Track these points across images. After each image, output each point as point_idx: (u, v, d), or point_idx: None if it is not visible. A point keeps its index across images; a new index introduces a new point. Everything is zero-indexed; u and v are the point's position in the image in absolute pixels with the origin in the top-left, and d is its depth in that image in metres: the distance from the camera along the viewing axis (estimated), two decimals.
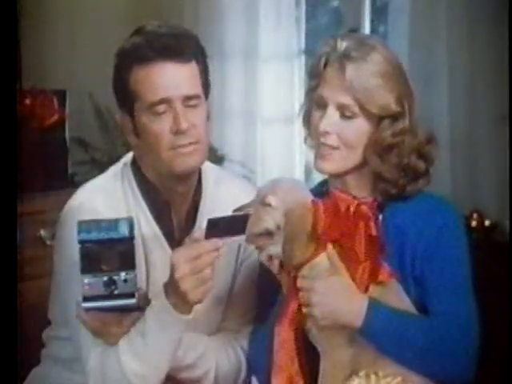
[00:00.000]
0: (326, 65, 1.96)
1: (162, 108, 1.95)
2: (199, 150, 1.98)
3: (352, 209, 1.88)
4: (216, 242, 1.81)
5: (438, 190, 3.37)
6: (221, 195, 2.09)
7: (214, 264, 1.82)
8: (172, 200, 2.04)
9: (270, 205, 1.88)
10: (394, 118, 1.95)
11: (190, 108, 1.97)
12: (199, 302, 1.84)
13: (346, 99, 1.93)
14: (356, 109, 1.94)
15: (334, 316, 1.84)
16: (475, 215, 3.51)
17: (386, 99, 1.93)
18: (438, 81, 3.62)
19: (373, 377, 1.85)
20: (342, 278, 1.87)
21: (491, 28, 3.53)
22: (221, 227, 1.80)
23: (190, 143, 1.96)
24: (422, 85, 3.63)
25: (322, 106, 1.96)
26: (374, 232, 1.87)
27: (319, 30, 4.23)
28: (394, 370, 1.86)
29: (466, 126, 3.60)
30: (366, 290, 1.87)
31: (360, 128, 1.95)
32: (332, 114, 1.95)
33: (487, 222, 3.52)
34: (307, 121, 2.03)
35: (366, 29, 3.91)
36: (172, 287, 1.83)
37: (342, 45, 1.95)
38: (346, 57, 1.93)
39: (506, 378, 2.64)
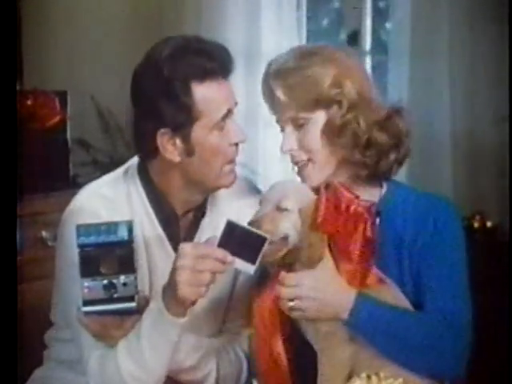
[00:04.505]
0: (268, 91, 2.01)
1: (223, 122, 1.95)
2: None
3: (352, 208, 1.88)
4: (226, 254, 1.79)
5: (440, 191, 3.40)
6: (224, 196, 2.09)
7: (216, 276, 1.80)
8: (180, 210, 2.03)
9: (286, 209, 1.88)
10: (338, 101, 1.96)
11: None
12: (186, 301, 1.81)
13: (290, 112, 1.98)
14: (303, 114, 1.97)
15: (321, 308, 1.85)
16: (477, 216, 3.51)
17: (320, 87, 1.95)
18: (440, 82, 3.62)
19: (374, 378, 1.84)
20: (329, 270, 1.87)
21: (492, 28, 3.53)
22: (236, 238, 1.77)
23: (234, 159, 1.99)
24: (423, 86, 3.64)
25: (282, 128, 2.02)
26: (369, 233, 1.87)
27: (320, 32, 4.23)
28: (395, 371, 1.86)
29: (468, 127, 3.60)
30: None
31: (315, 129, 1.98)
32: (289, 132, 2.00)
33: (489, 224, 3.52)
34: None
35: (367, 30, 3.91)
36: (170, 278, 1.82)
37: (271, 67, 2.00)
38: (275, 76, 1.98)
39: (506, 378, 2.65)
